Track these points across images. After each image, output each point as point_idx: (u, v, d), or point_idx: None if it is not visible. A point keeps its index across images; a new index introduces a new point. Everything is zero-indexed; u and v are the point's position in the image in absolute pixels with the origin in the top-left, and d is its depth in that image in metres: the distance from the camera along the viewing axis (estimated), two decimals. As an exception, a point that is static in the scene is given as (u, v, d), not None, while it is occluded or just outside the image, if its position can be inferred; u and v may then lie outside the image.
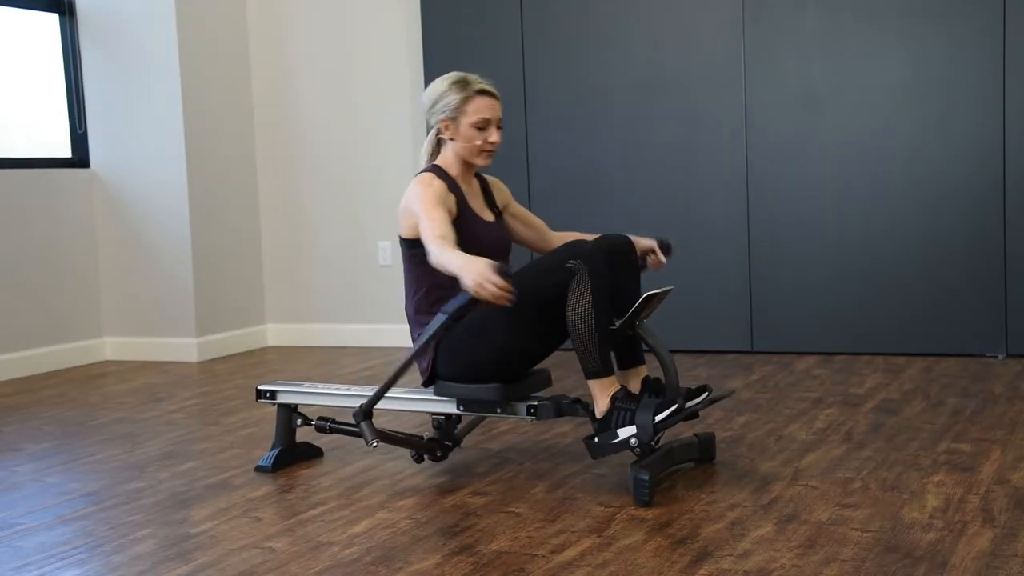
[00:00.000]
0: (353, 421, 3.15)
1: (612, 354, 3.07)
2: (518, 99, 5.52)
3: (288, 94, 6.06)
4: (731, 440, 3.54)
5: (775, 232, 5.17)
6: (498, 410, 3.15)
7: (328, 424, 3.25)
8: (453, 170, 3.24)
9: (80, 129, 5.88)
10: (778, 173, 5.14)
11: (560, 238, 3.44)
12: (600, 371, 2.99)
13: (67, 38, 5.85)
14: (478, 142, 3.19)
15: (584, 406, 3.08)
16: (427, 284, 3.17)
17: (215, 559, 2.60)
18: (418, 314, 3.20)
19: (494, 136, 3.20)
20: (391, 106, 5.87)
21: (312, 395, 3.40)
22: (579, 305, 2.95)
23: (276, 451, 3.43)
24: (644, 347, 3.15)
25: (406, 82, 5.83)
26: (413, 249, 3.16)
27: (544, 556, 2.52)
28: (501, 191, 3.42)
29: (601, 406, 2.99)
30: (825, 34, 5.01)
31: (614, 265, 3.07)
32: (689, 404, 2.93)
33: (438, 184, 3.15)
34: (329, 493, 3.13)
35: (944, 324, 4.94)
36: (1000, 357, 4.85)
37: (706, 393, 2.98)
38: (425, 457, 3.33)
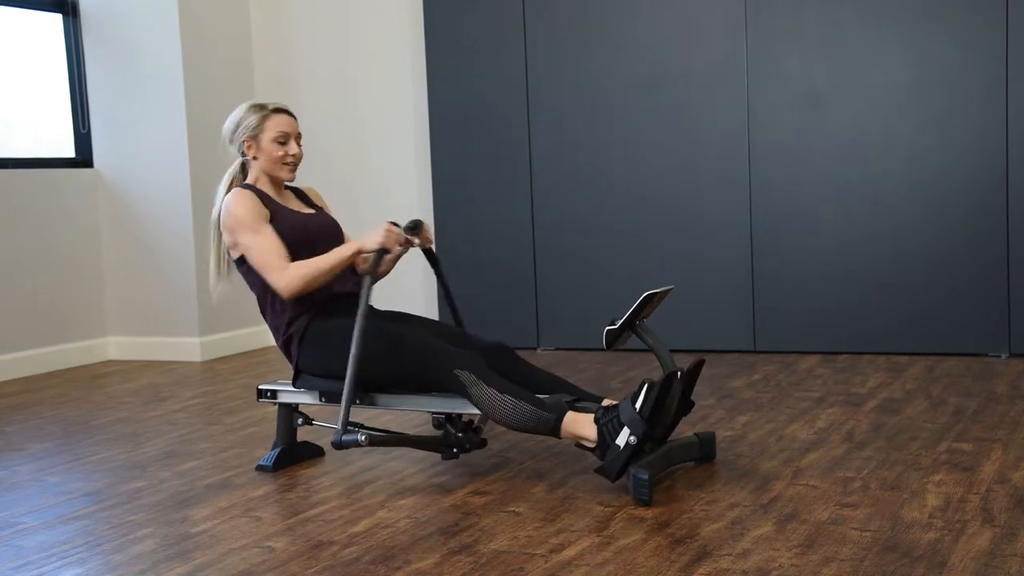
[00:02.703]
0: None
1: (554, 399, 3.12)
2: (520, 97, 5.52)
3: (291, 94, 6.06)
4: (732, 439, 3.54)
5: (777, 231, 5.17)
6: (356, 401, 3.23)
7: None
8: (263, 187, 3.40)
9: (83, 129, 5.89)
10: (780, 172, 5.14)
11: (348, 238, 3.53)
12: (558, 417, 3.00)
13: (71, 38, 5.86)
14: (279, 153, 3.36)
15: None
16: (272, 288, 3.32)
17: (215, 558, 2.61)
18: (275, 316, 3.35)
19: (294, 148, 3.38)
20: (393, 105, 5.88)
21: (313, 395, 3.41)
22: (490, 403, 3.03)
23: (277, 450, 3.44)
24: (644, 347, 3.13)
25: (408, 81, 5.83)
26: (244, 265, 3.35)
27: (543, 556, 2.52)
28: (317, 196, 3.59)
29: (590, 435, 2.97)
30: (827, 33, 5.01)
31: (499, 367, 3.23)
32: (659, 381, 2.89)
33: (249, 195, 3.29)
34: (329, 492, 3.13)
35: (946, 324, 4.93)
36: (1002, 357, 4.84)
37: (678, 371, 2.97)
38: (455, 451, 3.27)
